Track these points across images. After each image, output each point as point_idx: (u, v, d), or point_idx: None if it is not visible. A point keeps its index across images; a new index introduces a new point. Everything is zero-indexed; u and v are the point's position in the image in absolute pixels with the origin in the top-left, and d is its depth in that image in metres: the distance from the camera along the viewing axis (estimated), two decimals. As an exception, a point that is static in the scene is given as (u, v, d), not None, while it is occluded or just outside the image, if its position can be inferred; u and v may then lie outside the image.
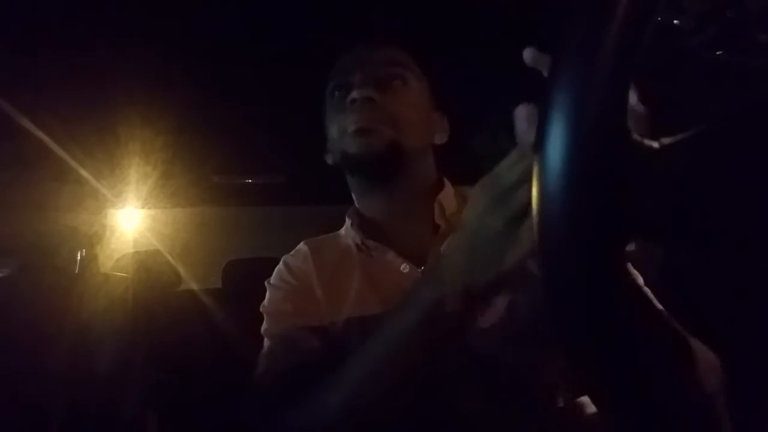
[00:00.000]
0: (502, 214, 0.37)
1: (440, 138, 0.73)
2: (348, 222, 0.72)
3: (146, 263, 1.59)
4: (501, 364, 0.55)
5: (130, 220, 2.25)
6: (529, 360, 0.55)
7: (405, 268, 0.64)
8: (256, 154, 1.47)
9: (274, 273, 0.71)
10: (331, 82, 0.70)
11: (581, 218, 0.23)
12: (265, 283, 0.70)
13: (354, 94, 0.64)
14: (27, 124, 0.95)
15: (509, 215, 0.36)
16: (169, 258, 1.66)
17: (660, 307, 0.54)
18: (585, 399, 0.55)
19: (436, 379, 0.50)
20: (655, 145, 0.23)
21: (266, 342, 0.64)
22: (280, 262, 0.72)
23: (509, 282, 0.38)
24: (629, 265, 0.23)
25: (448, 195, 0.69)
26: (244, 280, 1.65)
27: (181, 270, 1.68)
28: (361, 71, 0.66)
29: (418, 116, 0.68)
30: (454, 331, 0.44)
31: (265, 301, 0.68)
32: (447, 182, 0.72)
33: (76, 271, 1.29)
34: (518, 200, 0.36)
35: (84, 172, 1.20)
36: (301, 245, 0.74)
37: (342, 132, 0.66)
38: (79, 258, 1.30)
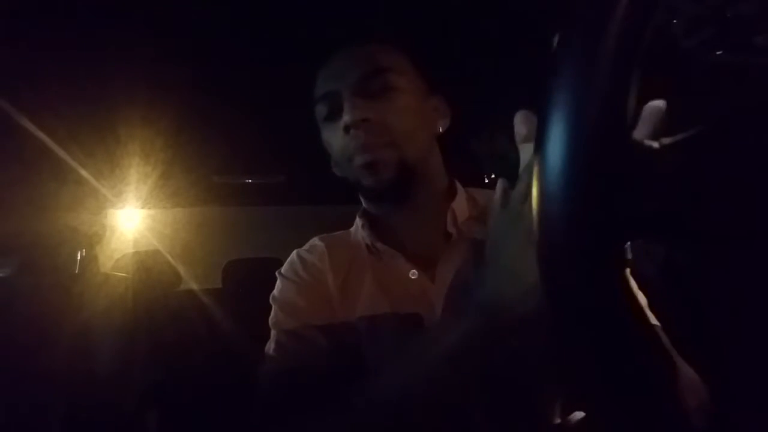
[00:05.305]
0: (521, 229, 0.39)
1: (443, 124, 0.70)
2: (359, 222, 0.71)
3: (146, 263, 1.59)
4: (506, 378, 0.55)
5: (130, 220, 2.26)
6: (533, 375, 0.55)
7: (414, 274, 0.63)
8: (256, 154, 1.47)
9: (286, 265, 0.70)
10: (318, 103, 0.66)
11: (581, 218, 0.23)
12: (276, 273, 0.69)
13: (346, 119, 0.60)
14: (27, 124, 0.95)
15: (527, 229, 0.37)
16: (169, 258, 1.66)
17: (652, 319, 0.55)
18: (578, 415, 0.55)
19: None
20: (655, 145, 0.23)
21: (275, 334, 0.63)
22: (294, 255, 0.71)
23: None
24: (627, 273, 0.23)
25: (460, 202, 0.68)
26: (244, 280, 1.66)
27: (181, 270, 1.68)
28: (347, 87, 0.62)
29: (415, 115, 0.65)
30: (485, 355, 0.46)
31: (276, 292, 0.67)
32: (459, 187, 0.71)
33: (76, 271, 1.29)
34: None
35: (84, 172, 1.20)
36: (317, 241, 0.72)
37: (347, 159, 0.64)
38: (79, 258, 1.30)
